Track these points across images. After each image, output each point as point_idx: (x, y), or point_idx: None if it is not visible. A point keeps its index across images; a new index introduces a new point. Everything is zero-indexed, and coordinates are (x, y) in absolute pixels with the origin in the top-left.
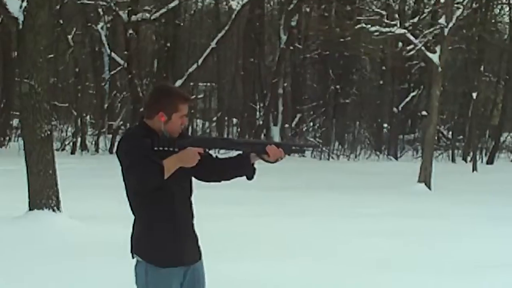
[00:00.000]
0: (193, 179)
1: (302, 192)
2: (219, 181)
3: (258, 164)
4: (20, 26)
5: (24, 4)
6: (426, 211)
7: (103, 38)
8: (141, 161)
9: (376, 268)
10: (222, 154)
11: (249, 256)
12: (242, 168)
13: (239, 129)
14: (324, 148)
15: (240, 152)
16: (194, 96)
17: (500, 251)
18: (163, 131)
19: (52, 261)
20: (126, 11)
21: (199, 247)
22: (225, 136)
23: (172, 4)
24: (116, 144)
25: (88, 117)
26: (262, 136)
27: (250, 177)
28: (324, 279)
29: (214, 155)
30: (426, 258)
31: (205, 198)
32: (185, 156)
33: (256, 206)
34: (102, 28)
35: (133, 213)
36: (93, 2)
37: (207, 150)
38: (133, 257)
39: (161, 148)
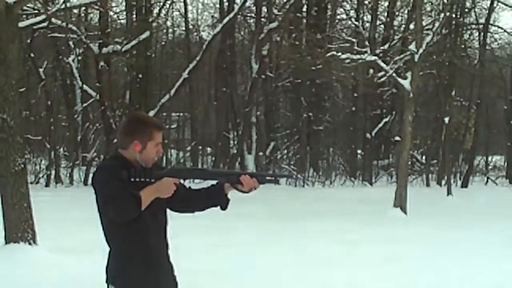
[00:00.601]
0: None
1: (278, 220)
2: (193, 211)
3: (233, 193)
4: None
5: None
6: (402, 236)
7: (75, 70)
8: (118, 194)
9: None
10: (196, 184)
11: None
12: (216, 199)
13: (213, 158)
14: (299, 175)
15: (214, 182)
16: (167, 126)
17: (475, 273)
18: (138, 160)
19: None
20: (97, 44)
21: (174, 277)
22: (200, 165)
23: (143, 36)
24: (90, 175)
25: (61, 149)
26: (237, 164)
27: (224, 208)
28: None
29: (188, 186)
30: (404, 283)
31: (174, 227)
32: (162, 187)
33: (233, 235)
34: (73, 60)
35: (108, 244)
36: (63, 35)
37: (182, 180)
38: (107, 286)
39: (137, 179)
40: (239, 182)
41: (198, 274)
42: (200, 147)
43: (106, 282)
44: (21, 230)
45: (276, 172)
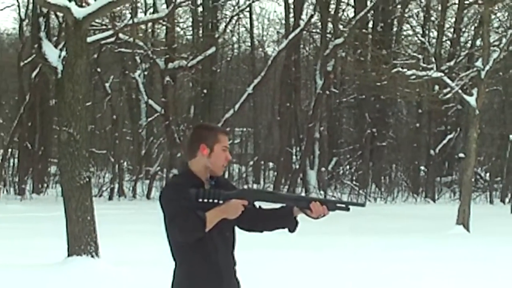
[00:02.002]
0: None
1: (341, 236)
2: (261, 231)
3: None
4: (59, 75)
5: (63, 53)
6: (465, 254)
7: (140, 85)
8: (183, 214)
9: None
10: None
11: None
12: (285, 220)
13: (275, 173)
14: (361, 191)
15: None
16: (230, 141)
17: None
18: (209, 167)
19: None
20: (163, 59)
21: None
22: (262, 180)
23: (209, 52)
24: (153, 189)
25: (125, 163)
26: (299, 180)
27: (292, 230)
28: None
29: (257, 206)
30: None
31: (243, 242)
32: (229, 208)
33: (296, 250)
34: (139, 75)
35: (174, 260)
36: (130, 50)
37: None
38: None
39: (205, 200)
40: (309, 207)
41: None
42: (263, 162)
43: None
44: (84, 243)
45: (348, 200)
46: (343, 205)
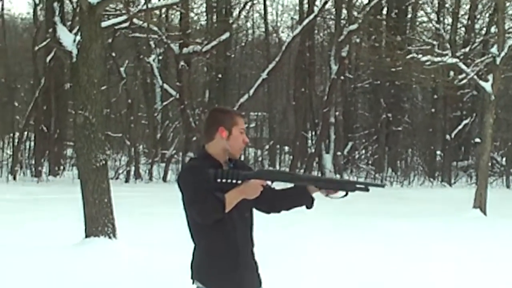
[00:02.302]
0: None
1: (355, 218)
2: (279, 211)
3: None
4: (74, 59)
5: (78, 38)
6: (482, 237)
7: (155, 70)
8: (203, 196)
9: None
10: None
11: (311, 283)
12: (302, 198)
13: (291, 158)
14: (377, 175)
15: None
16: (246, 125)
17: None
18: (227, 149)
19: (110, 287)
20: (178, 44)
21: (259, 275)
22: (278, 164)
23: (223, 37)
24: (169, 172)
25: (141, 146)
26: (315, 164)
27: (309, 206)
28: None
29: (272, 187)
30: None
31: (260, 222)
32: (248, 189)
33: (310, 233)
34: (154, 60)
35: (193, 240)
36: (144, 35)
37: (269, 183)
38: (193, 283)
39: (224, 180)
40: (328, 188)
41: (280, 271)
42: (278, 146)
43: (191, 278)
44: (101, 224)
45: (368, 181)
46: (363, 186)
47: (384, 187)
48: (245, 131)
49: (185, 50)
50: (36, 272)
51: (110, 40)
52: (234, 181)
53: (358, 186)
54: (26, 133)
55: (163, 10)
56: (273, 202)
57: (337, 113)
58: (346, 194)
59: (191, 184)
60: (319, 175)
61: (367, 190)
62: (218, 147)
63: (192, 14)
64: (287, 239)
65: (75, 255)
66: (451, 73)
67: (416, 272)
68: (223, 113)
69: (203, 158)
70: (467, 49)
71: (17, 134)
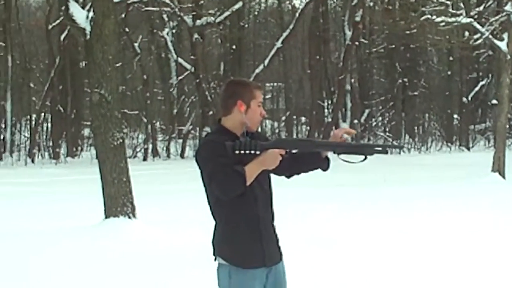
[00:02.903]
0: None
1: (377, 187)
2: (298, 173)
3: (333, 161)
4: (88, 37)
5: (91, 14)
6: (502, 200)
7: (169, 44)
8: (222, 171)
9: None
10: None
11: (328, 256)
12: (317, 161)
13: (308, 128)
14: (394, 142)
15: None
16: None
17: None
18: (245, 122)
19: (131, 267)
20: (191, 16)
21: (279, 248)
22: (295, 135)
23: (236, 6)
24: (187, 148)
25: (158, 123)
26: (332, 133)
27: (325, 168)
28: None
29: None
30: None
31: (278, 196)
32: (268, 159)
33: (333, 203)
34: (167, 34)
35: (214, 217)
36: (157, 9)
37: (287, 151)
38: (215, 260)
39: (242, 152)
40: (346, 152)
41: (298, 242)
42: (295, 117)
43: (214, 254)
44: (121, 204)
45: (386, 143)
46: (381, 148)
47: (402, 148)
48: (262, 104)
49: (198, 22)
50: (57, 253)
51: (123, 15)
52: (252, 152)
53: (376, 149)
54: (43, 114)
55: None
56: (291, 167)
57: (352, 80)
58: (365, 158)
59: (209, 160)
60: None
61: (386, 152)
62: (236, 121)
63: None
64: (306, 204)
65: (95, 236)
66: (466, 33)
67: (435, 239)
68: (241, 85)
69: (220, 132)
70: (481, 8)
71: (34, 116)
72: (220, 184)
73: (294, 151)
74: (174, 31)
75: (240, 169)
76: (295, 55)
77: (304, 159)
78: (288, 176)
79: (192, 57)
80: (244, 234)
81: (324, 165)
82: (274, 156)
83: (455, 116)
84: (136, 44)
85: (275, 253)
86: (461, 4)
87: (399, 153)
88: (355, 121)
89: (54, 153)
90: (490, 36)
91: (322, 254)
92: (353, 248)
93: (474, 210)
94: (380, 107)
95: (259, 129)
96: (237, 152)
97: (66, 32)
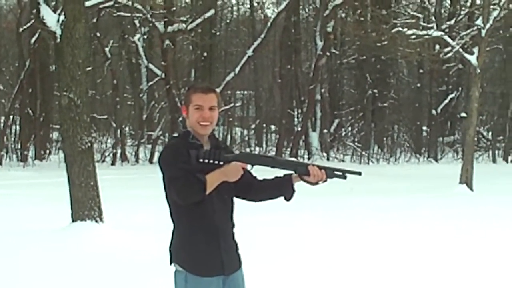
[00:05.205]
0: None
1: (343, 196)
2: (257, 200)
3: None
4: (58, 40)
5: (61, 18)
6: (468, 212)
7: (140, 49)
8: (183, 176)
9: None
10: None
11: (289, 263)
12: (282, 189)
13: (277, 136)
14: (363, 152)
15: (280, 174)
16: (232, 105)
17: None
18: (191, 126)
19: (97, 271)
20: (162, 22)
21: (239, 255)
22: (264, 143)
23: (208, 14)
24: (156, 154)
25: (127, 128)
26: (301, 142)
27: (288, 198)
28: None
29: (254, 175)
30: (470, 259)
31: (241, 206)
32: (230, 171)
33: (299, 212)
34: (139, 39)
35: (173, 221)
36: (129, 14)
37: (250, 167)
38: (171, 264)
39: (206, 161)
40: (308, 173)
41: (262, 249)
42: (265, 125)
43: (170, 260)
44: (88, 208)
45: (346, 168)
46: (340, 173)
47: (361, 174)
48: (202, 107)
49: (170, 28)
50: (24, 256)
51: (94, 20)
52: (215, 162)
53: (336, 173)
54: (11, 117)
55: None
56: (251, 190)
57: (323, 90)
58: (325, 181)
59: (171, 164)
60: (306, 153)
61: (345, 177)
62: (189, 125)
63: None
64: (273, 220)
65: (62, 240)
66: (437, 46)
67: (402, 249)
68: (186, 91)
69: (184, 136)
70: (452, 22)
71: (2, 118)
72: (179, 189)
73: (254, 166)
74: (145, 37)
75: (201, 177)
76: (266, 63)
77: (268, 184)
78: (245, 199)
79: (162, 63)
80: (202, 243)
81: (289, 194)
82: (236, 168)
83: (424, 128)
84: (107, 49)
85: (233, 261)
86: (433, 18)
87: (368, 163)
88: (325, 130)
89: (22, 155)
90: (461, 50)
91: (284, 262)
92: (316, 257)
93: (441, 221)
94: (350, 118)
95: (228, 138)
96: (200, 160)
97: (36, 35)
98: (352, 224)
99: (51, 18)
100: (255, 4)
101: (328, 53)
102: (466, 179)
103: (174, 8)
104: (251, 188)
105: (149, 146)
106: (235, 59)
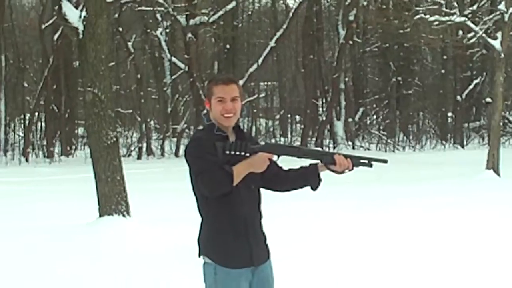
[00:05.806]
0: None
1: (370, 185)
2: (283, 190)
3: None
4: (81, 36)
5: (83, 13)
6: (496, 198)
7: (163, 43)
8: (210, 169)
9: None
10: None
11: (319, 253)
12: (309, 178)
13: (302, 126)
14: (389, 140)
15: (306, 165)
16: (256, 96)
17: None
18: (215, 119)
19: (124, 265)
20: (184, 16)
21: (267, 247)
22: (289, 133)
23: (230, 6)
24: (181, 147)
25: (152, 122)
26: (326, 131)
27: (315, 188)
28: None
29: (279, 166)
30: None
31: (272, 193)
32: (256, 162)
33: (326, 201)
34: (161, 33)
35: (200, 214)
36: (151, 8)
37: (276, 157)
38: (199, 257)
39: (232, 153)
40: (334, 162)
41: (290, 240)
42: (289, 115)
43: (199, 255)
44: (115, 203)
45: (372, 156)
46: (366, 161)
47: (387, 162)
48: (224, 99)
49: (192, 21)
50: (52, 252)
51: (116, 15)
52: (242, 153)
53: (362, 161)
54: (37, 114)
55: None
56: (278, 180)
57: (346, 79)
58: (352, 169)
59: (198, 157)
60: (332, 143)
61: (370, 165)
62: (212, 117)
63: None
64: (290, 210)
65: (89, 235)
66: (460, 32)
67: (430, 237)
68: (208, 84)
69: (209, 128)
70: (474, 7)
71: (27, 115)
72: (207, 182)
73: (281, 156)
74: (167, 30)
75: (228, 169)
76: (289, 54)
77: (294, 174)
78: (272, 189)
79: (186, 56)
80: (230, 234)
81: (315, 183)
82: (263, 159)
83: (449, 114)
84: (129, 44)
85: (262, 252)
86: (455, 3)
87: (393, 151)
88: (350, 119)
89: (48, 152)
90: (484, 35)
91: (313, 252)
92: (347, 246)
93: (469, 208)
94: (374, 106)
95: (253, 129)
96: (227, 152)
97: (59, 31)
98: (382, 212)
99: (73, 14)
100: None
101: (351, 42)
102: (493, 164)
103: (196, 1)
104: (277, 178)
105: (174, 139)
106: (258, 50)
